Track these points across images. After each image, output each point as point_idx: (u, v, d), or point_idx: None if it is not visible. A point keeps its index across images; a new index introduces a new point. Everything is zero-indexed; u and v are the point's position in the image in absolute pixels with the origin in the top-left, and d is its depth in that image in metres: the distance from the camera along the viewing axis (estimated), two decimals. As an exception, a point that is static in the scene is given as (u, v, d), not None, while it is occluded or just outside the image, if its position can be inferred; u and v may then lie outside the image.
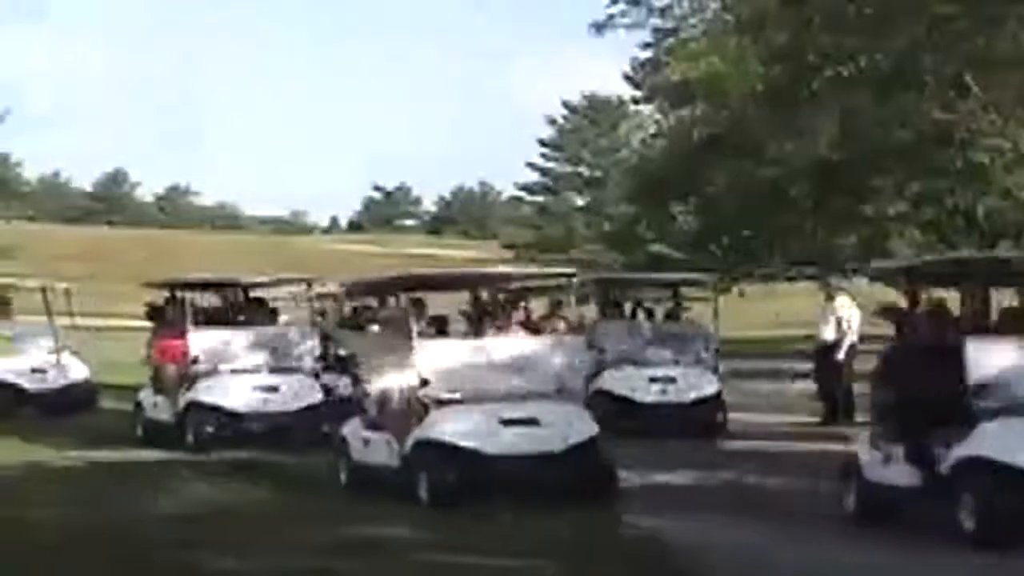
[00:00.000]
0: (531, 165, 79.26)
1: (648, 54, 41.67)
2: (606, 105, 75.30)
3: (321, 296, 30.02)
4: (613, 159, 72.31)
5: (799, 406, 21.73)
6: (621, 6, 29.06)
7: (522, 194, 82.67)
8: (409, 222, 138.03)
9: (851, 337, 19.83)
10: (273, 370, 18.83)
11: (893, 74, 23.44)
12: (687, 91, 32.61)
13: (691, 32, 30.95)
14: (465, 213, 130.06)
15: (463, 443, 13.19)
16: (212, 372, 18.57)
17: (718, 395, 19.49)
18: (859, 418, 17.43)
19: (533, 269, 22.09)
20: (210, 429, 18.11)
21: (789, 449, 17.52)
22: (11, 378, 23.06)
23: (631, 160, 58.85)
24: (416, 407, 13.57)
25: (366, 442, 14.40)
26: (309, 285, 20.94)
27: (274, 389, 18.57)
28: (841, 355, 19.83)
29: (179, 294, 20.35)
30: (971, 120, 24.50)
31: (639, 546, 11.37)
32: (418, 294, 15.40)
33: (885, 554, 10.89)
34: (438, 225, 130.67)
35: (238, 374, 18.63)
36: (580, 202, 77.27)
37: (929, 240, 29.22)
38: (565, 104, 78.35)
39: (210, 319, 19.97)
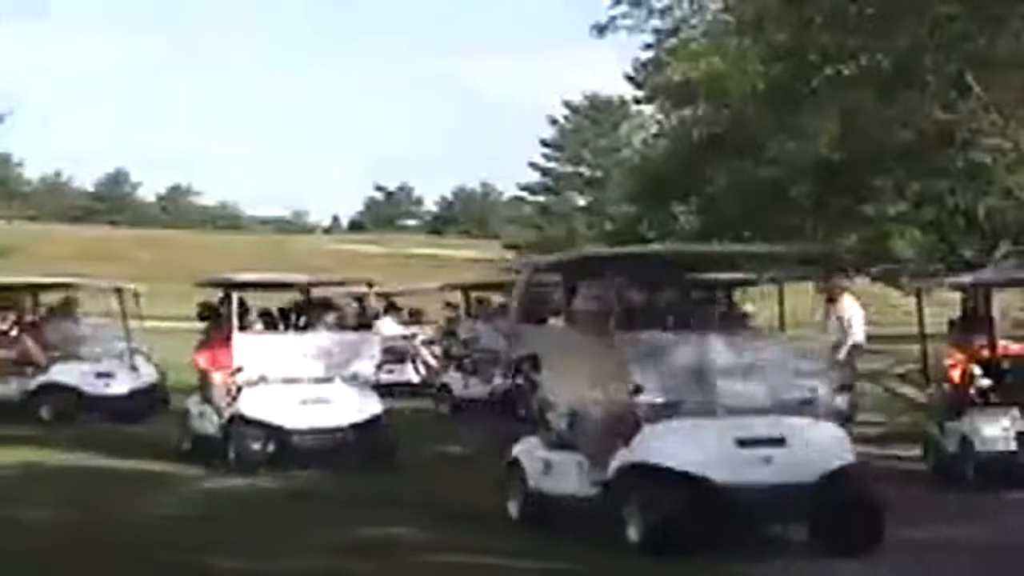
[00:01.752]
0: (532, 165, 79.50)
1: (649, 54, 41.59)
2: (607, 105, 75.45)
3: (379, 295, 30.03)
4: (614, 159, 72.38)
5: None
6: (623, 7, 29.01)
7: (523, 194, 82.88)
8: (411, 222, 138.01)
9: (854, 337, 19.75)
10: (327, 380, 16.96)
11: (894, 74, 23.41)
12: (688, 91, 32.56)
13: (692, 33, 30.91)
14: (466, 213, 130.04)
15: (690, 470, 10.30)
16: (259, 382, 16.72)
17: None
18: (860, 418, 17.41)
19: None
20: (255, 446, 16.31)
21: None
22: (73, 382, 22.17)
23: (632, 160, 58.85)
24: (624, 422, 10.76)
25: (547, 465, 11.71)
26: (370, 286, 19.71)
27: (325, 401, 16.68)
28: (842, 355, 19.80)
29: (232, 294, 18.30)
30: (972, 120, 24.46)
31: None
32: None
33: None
34: (439, 225, 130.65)
35: (287, 384, 16.74)
36: (581, 202, 77.41)
37: (930, 240, 29.19)
38: (566, 104, 78.59)
39: (269, 322, 18.44)
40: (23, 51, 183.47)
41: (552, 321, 14.08)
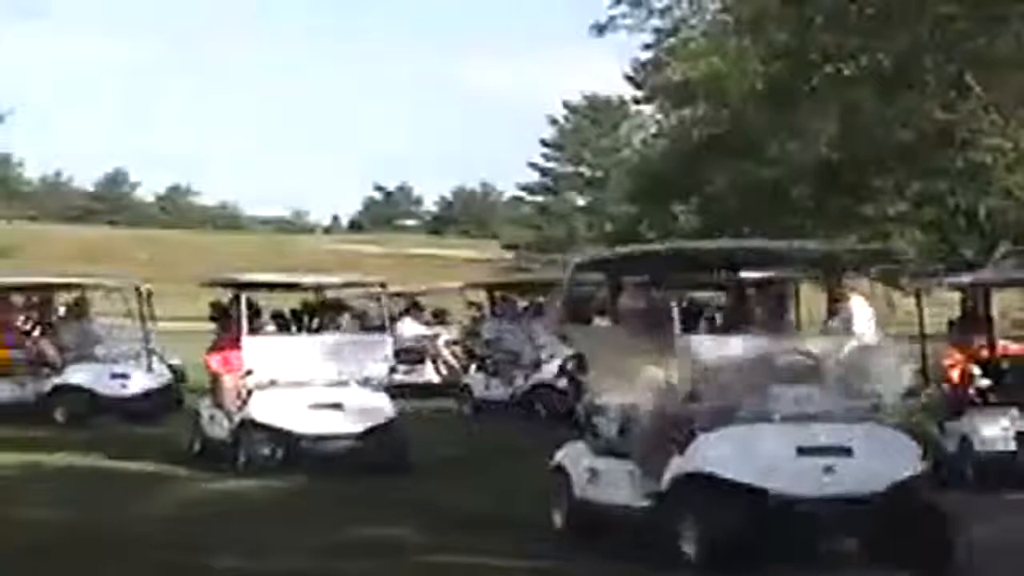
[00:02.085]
0: (532, 165, 79.55)
1: (649, 54, 41.63)
2: (607, 105, 75.48)
3: (400, 295, 29.66)
4: (614, 159, 72.42)
5: None
6: (623, 7, 29.00)
7: (523, 194, 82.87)
8: (410, 222, 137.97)
9: (860, 339, 19.45)
10: (338, 383, 16.34)
11: (894, 74, 23.41)
12: (688, 91, 32.59)
13: (691, 32, 30.90)
14: (466, 213, 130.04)
15: (749, 481, 9.65)
16: (269, 385, 16.17)
17: None
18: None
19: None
20: (265, 452, 15.77)
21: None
22: (87, 383, 21.81)
23: (632, 160, 58.92)
24: (678, 429, 10.09)
25: (595, 473, 10.97)
26: (383, 286, 18.72)
27: (337, 405, 16.07)
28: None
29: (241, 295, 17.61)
30: (972, 120, 24.47)
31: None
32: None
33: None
34: (439, 225, 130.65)
35: (297, 388, 16.16)
36: (581, 202, 77.45)
37: (930, 240, 29.19)
38: (566, 104, 78.64)
39: (281, 324, 17.90)
40: (23, 51, 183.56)
41: (597, 321, 13.56)
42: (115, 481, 15.62)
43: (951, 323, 17.25)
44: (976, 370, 15.88)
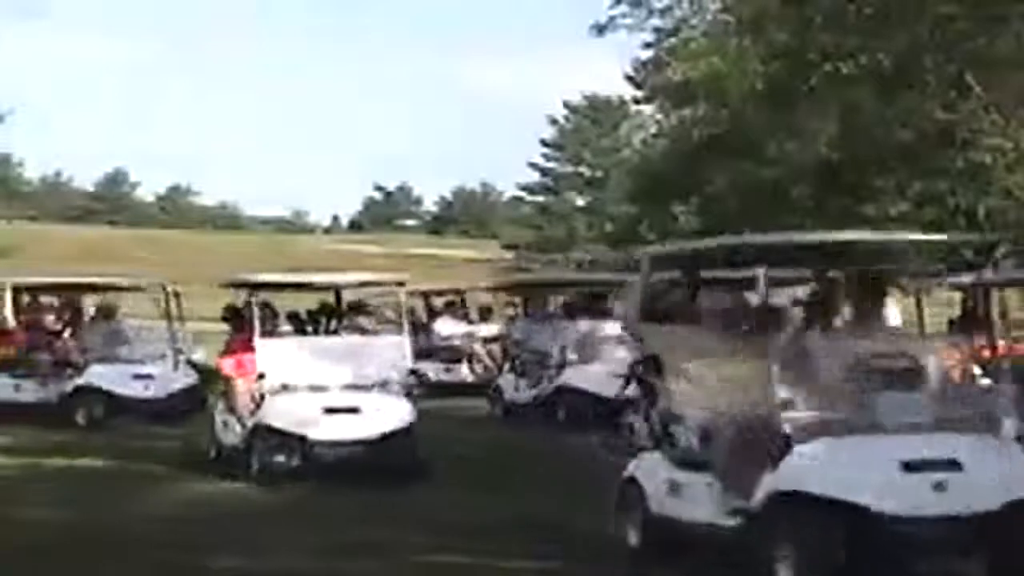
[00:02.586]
0: (532, 165, 79.44)
1: (649, 54, 41.65)
2: (607, 105, 75.40)
3: (436, 293, 29.20)
4: (614, 159, 72.35)
5: None
6: (623, 7, 28.99)
7: (523, 194, 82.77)
8: (410, 222, 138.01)
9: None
10: (355, 387, 15.71)
11: (894, 74, 23.41)
12: (688, 91, 32.59)
13: (691, 32, 30.91)
14: (466, 213, 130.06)
15: (852, 499, 8.79)
16: (284, 389, 15.57)
17: None
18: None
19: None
20: (278, 458, 15.12)
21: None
22: (107, 384, 21.47)
23: (632, 160, 58.89)
24: (770, 440, 9.11)
25: (674, 487, 10.04)
26: (401, 284, 17.86)
27: (353, 410, 15.43)
28: None
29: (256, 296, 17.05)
30: (972, 120, 24.47)
31: None
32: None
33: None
34: (439, 225, 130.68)
35: (313, 392, 15.55)
36: (581, 202, 77.38)
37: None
38: (566, 104, 78.53)
39: (298, 327, 17.30)
40: (23, 51, 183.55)
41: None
42: (118, 482, 15.62)
43: (951, 323, 17.24)
44: (977, 370, 15.86)
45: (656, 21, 30.46)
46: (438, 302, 30.48)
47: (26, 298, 23.79)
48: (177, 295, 22.45)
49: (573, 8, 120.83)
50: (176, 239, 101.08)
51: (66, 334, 22.76)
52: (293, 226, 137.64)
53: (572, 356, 21.36)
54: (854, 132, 26.62)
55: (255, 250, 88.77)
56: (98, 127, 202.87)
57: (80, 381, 21.58)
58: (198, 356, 23.39)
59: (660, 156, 39.51)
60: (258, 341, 15.95)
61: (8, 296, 23.29)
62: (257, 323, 16.19)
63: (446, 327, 28.19)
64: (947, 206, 28.08)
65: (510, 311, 27.03)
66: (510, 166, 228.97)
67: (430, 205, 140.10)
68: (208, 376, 22.05)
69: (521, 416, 21.77)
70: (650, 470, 10.38)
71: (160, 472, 16.41)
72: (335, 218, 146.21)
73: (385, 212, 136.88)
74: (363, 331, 17.30)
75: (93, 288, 24.51)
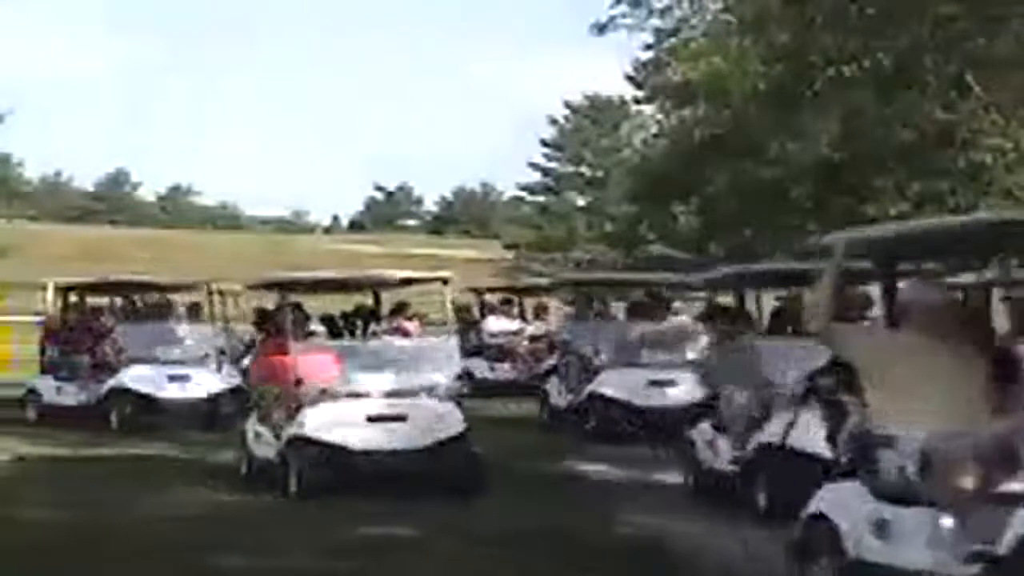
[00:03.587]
0: (533, 165, 79.50)
1: (649, 54, 41.71)
2: (608, 105, 75.50)
3: (490, 290, 28.55)
4: (615, 159, 72.44)
5: None
6: (623, 7, 29.03)
7: (523, 194, 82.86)
8: (411, 222, 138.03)
9: None
10: (400, 393, 14.36)
11: (895, 74, 23.45)
12: (688, 91, 32.65)
13: (692, 33, 30.96)
14: (466, 213, 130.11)
15: None
16: (323, 397, 14.23)
17: None
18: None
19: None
20: (318, 471, 13.83)
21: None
22: (142, 386, 20.63)
23: (632, 160, 58.95)
24: (1015, 470, 7.32)
25: (881, 527, 7.95)
26: (445, 282, 16.23)
27: (400, 419, 14.07)
28: None
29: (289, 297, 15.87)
30: (972, 120, 24.52)
31: None
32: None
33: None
34: (439, 225, 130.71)
35: (353, 399, 14.24)
36: (581, 202, 77.47)
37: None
38: (567, 104, 78.63)
39: (333, 331, 16.08)
40: (23, 51, 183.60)
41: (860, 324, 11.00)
42: (124, 483, 15.57)
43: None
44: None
45: (656, 21, 30.53)
46: (492, 299, 30.19)
47: (74, 298, 23.22)
48: (221, 293, 21.89)
49: (573, 8, 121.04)
50: (176, 239, 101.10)
51: (114, 335, 22.07)
52: (293, 226, 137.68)
53: (606, 360, 19.54)
54: (855, 133, 26.67)
55: (255, 250, 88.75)
56: (98, 127, 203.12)
57: (113, 383, 20.95)
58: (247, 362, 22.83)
59: (660, 156, 39.55)
60: (294, 345, 14.66)
61: (50, 295, 22.99)
62: (290, 325, 14.99)
63: (496, 325, 27.87)
64: (947, 206, 28.13)
65: (568, 310, 25.66)
66: (510, 166, 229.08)
67: (430, 205, 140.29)
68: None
69: (560, 422, 20.26)
70: (846, 505, 8.22)
71: (176, 475, 16.22)
72: (335, 218, 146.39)
73: (385, 212, 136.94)
74: (406, 334, 16.09)
75: (139, 287, 23.98)
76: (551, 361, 23.91)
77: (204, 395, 20.64)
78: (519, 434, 19.77)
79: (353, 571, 10.62)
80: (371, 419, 13.99)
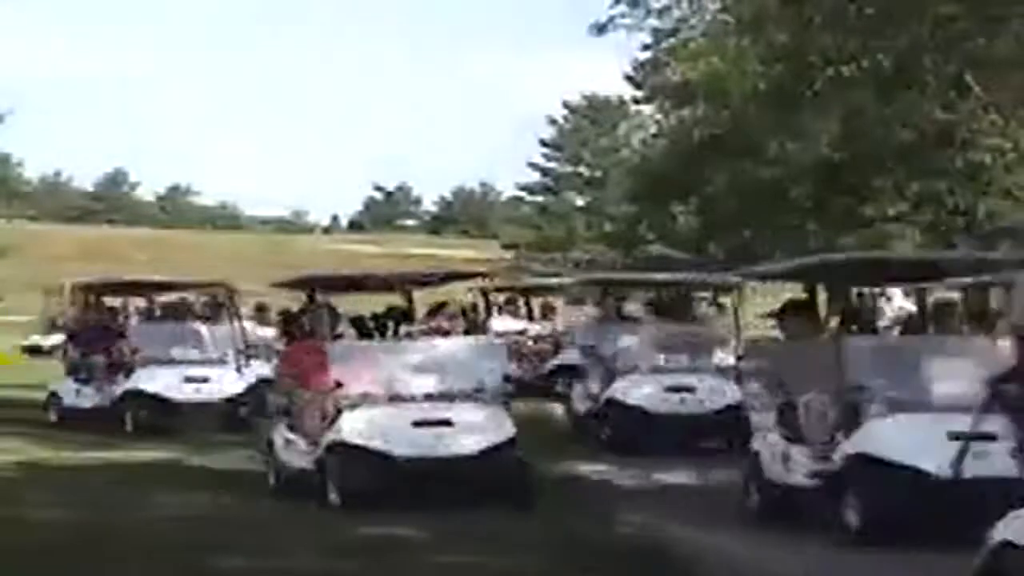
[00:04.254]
0: (532, 165, 79.47)
1: (648, 54, 41.70)
2: (606, 105, 75.48)
3: (497, 290, 27.80)
4: (614, 159, 72.45)
5: None
6: (621, 7, 29.02)
7: (523, 194, 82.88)
8: (409, 222, 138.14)
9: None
10: (444, 396, 13.51)
11: (894, 74, 23.45)
12: (687, 91, 32.63)
13: (691, 33, 30.95)
14: (465, 213, 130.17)
15: None
16: (364, 401, 13.43)
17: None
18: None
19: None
20: (362, 480, 12.94)
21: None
22: (157, 388, 20.14)
23: (632, 160, 58.93)
24: None
25: None
26: (486, 276, 15.71)
27: (445, 423, 13.21)
28: None
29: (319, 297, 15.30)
30: (972, 120, 24.53)
31: None
32: None
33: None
34: (438, 225, 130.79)
35: (396, 403, 13.42)
36: (580, 202, 77.47)
37: (930, 240, 29.25)
38: (566, 104, 78.59)
39: (363, 332, 15.13)
40: (23, 51, 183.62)
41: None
42: (118, 481, 15.56)
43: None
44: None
45: (655, 21, 30.51)
46: (499, 299, 29.98)
47: (111, 300, 23.01)
48: (237, 293, 21.54)
49: (573, 8, 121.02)
50: (176, 239, 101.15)
51: (130, 335, 21.76)
52: (292, 226, 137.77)
53: (625, 365, 18.45)
54: (855, 133, 26.68)
55: (255, 250, 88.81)
56: (98, 127, 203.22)
57: (128, 385, 20.43)
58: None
59: (660, 156, 39.52)
60: (332, 346, 13.96)
61: (67, 296, 22.59)
62: (327, 327, 14.38)
63: (502, 325, 27.57)
64: (946, 206, 28.15)
65: (590, 311, 23.90)
66: (509, 166, 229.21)
67: (429, 205, 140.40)
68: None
69: (582, 429, 19.15)
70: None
71: (178, 471, 16.16)
72: (334, 218, 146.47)
73: (385, 212, 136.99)
74: (446, 334, 15.10)
75: (157, 287, 23.62)
76: (556, 361, 23.85)
77: (221, 397, 20.14)
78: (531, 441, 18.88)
79: (356, 572, 10.63)
80: (416, 424, 13.16)
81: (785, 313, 13.05)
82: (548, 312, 28.80)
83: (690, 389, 17.52)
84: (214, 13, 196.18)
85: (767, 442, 12.21)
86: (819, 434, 11.45)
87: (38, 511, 13.47)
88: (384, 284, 16.29)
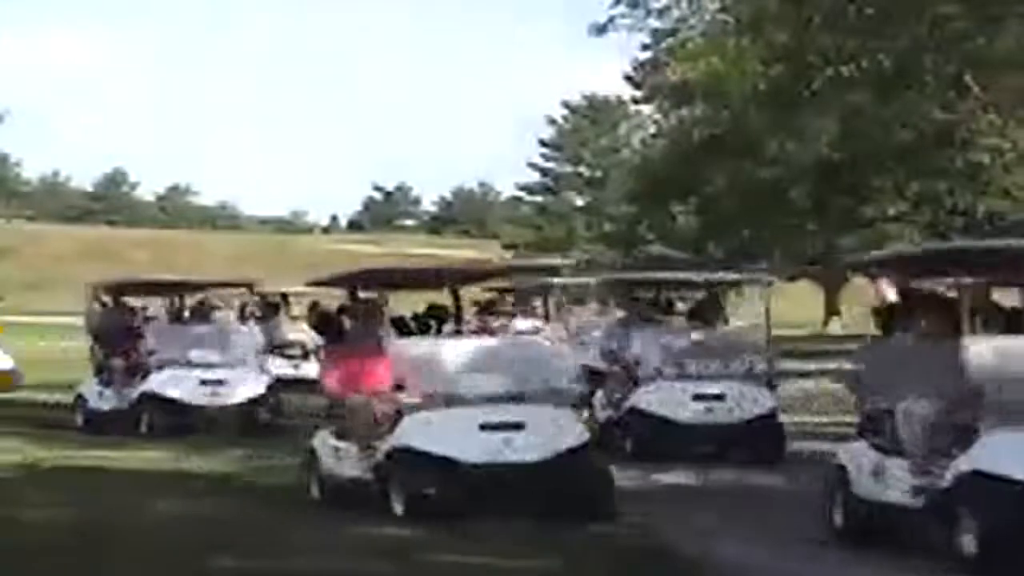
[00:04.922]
0: (532, 165, 79.42)
1: (648, 54, 41.74)
2: (606, 105, 75.45)
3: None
4: (613, 159, 72.45)
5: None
6: (621, 8, 29.06)
7: (522, 194, 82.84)
8: (409, 222, 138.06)
9: None
10: (513, 398, 12.59)
11: (894, 74, 23.48)
12: (687, 91, 32.67)
13: (690, 33, 30.99)
14: (465, 213, 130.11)
15: None
16: (426, 403, 12.48)
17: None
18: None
19: None
20: (429, 487, 12.05)
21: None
22: (169, 391, 19.75)
23: (631, 160, 59.01)
24: None
25: None
26: (553, 271, 14.79)
27: (517, 427, 12.30)
28: None
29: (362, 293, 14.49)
30: (971, 120, 24.55)
31: None
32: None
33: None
34: (438, 225, 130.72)
35: (462, 406, 12.46)
36: (580, 202, 77.40)
37: (928, 240, 29.31)
38: (565, 104, 78.51)
39: (404, 332, 14.00)
40: (22, 51, 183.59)
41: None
42: (121, 482, 15.55)
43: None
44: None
45: (654, 22, 30.56)
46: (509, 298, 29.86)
47: (133, 301, 22.62)
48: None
49: (573, 8, 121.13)
50: (175, 239, 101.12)
51: (149, 332, 21.38)
52: (292, 226, 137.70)
53: (649, 371, 17.37)
54: (854, 133, 26.71)
55: (254, 250, 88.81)
56: (98, 127, 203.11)
57: (144, 388, 20.01)
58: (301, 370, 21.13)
59: (659, 156, 39.60)
60: (392, 345, 13.10)
61: (90, 296, 22.35)
62: (386, 324, 13.58)
63: (523, 324, 27.28)
64: (945, 206, 28.18)
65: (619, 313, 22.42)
66: (509, 166, 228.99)
67: (429, 205, 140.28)
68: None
69: (605, 438, 17.42)
70: None
71: (182, 470, 16.08)
72: (334, 218, 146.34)
73: (384, 212, 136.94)
74: (492, 333, 14.45)
75: (178, 287, 22.94)
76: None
77: (239, 401, 19.66)
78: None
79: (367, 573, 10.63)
80: (484, 427, 12.27)
81: (912, 309, 11.23)
82: (562, 311, 28.60)
83: (719, 397, 16.43)
84: (214, 13, 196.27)
85: (851, 452, 11.08)
86: (922, 447, 10.14)
87: (38, 511, 13.50)
88: (436, 280, 15.29)
